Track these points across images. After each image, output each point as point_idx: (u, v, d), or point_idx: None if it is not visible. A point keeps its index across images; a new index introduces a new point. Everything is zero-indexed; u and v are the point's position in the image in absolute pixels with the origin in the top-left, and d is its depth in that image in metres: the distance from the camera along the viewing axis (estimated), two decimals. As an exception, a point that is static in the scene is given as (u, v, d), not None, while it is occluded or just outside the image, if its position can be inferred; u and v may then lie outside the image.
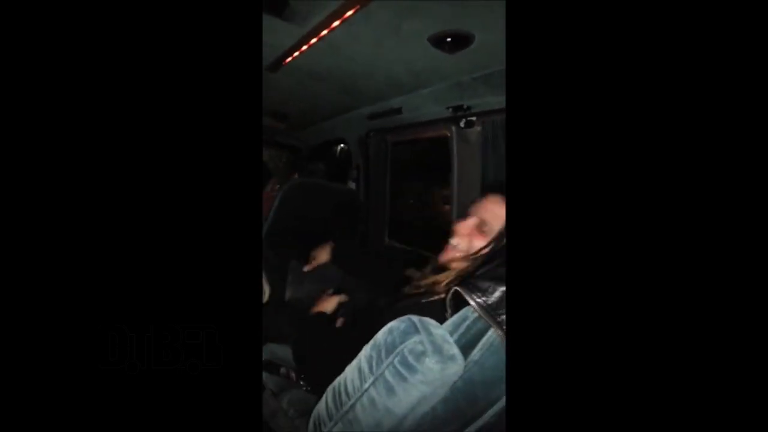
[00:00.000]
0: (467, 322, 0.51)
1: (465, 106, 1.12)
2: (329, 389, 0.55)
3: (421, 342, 0.48)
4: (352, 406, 0.51)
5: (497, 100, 1.03)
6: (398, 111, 1.29)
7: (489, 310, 0.48)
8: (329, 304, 0.86)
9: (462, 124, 1.19)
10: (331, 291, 0.92)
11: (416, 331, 0.49)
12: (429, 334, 0.48)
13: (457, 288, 0.52)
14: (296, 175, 1.89)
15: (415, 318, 0.51)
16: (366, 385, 0.50)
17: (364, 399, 0.50)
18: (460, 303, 0.52)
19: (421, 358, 0.47)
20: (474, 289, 0.50)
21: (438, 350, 0.47)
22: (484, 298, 0.49)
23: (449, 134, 1.28)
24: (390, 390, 0.48)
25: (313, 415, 0.55)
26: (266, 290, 1.01)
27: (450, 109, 1.15)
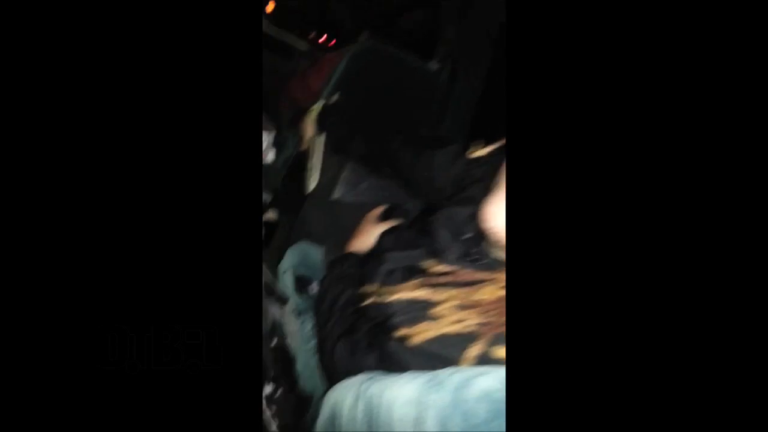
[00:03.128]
0: None
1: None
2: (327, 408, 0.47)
3: None
4: None
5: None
6: None
7: None
8: (367, 237, 0.68)
9: None
10: (383, 209, 0.74)
11: None
12: None
13: None
14: (365, 36, 1.28)
15: None
16: None
17: None
18: None
19: None
20: None
21: None
22: None
23: None
24: None
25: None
26: (315, 176, 0.87)
27: None
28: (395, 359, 0.51)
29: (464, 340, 0.48)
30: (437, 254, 0.58)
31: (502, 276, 0.51)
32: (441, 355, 0.48)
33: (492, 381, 0.37)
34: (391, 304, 0.54)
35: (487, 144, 0.67)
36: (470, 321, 0.49)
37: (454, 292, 0.52)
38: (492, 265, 0.54)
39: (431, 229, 0.61)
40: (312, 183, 0.90)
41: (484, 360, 0.46)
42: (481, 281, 0.52)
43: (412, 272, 0.57)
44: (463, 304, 0.51)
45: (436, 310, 0.51)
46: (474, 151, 0.66)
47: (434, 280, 0.54)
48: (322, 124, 0.90)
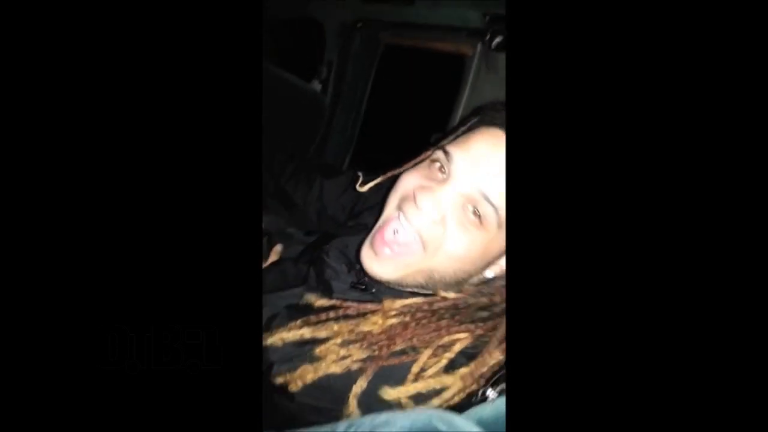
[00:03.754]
0: None
1: (511, 19, 0.74)
2: None
3: None
4: None
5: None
6: (409, 0, 0.90)
7: None
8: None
9: (493, 45, 0.80)
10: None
11: None
12: None
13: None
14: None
15: (441, 424, 0.33)
16: None
17: None
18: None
19: None
20: None
21: None
22: None
23: (470, 54, 0.88)
24: None
25: None
26: None
27: (487, 18, 0.79)
28: (283, 413, 0.47)
29: (348, 379, 0.45)
30: (325, 287, 0.55)
31: (389, 304, 0.50)
32: (326, 399, 0.45)
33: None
34: (269, 349, 0.50)
35: (368, 174, 0.67)
36: (355, 356, 0.47)
37: (336, 327, 0.50)
38: (378, 295, 0.54)
39: (323, 260, 0.59)
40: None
41: (368, 399, 0.44)
42: (367, 313, 0.51)
43: (295, 311, 0.53)
44: (348, 339, 0.49)
45: (321, 349, 0.48)
46: (363, 184, 0.65)
47: (318, 316, 0.51)
48: None
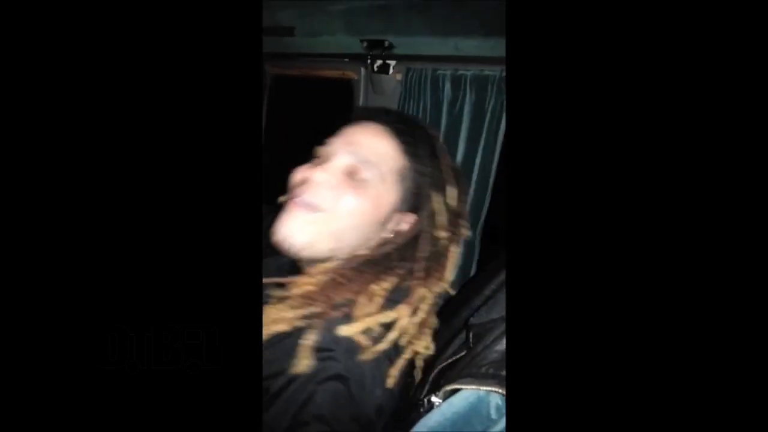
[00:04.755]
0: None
1: (387, 43, 0.80)
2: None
3: None
4: None
5: (430, 42, 0.72)
6: (289, 32, 0.91)
7: None
8: None
9: (376, 67, 0.85)
10: None
11: None
12: None
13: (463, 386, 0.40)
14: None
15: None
16: None
17: None
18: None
19: None
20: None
21: None
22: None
23: (356, 77, 0.94)
24: None
25: None
26: None
27: (365, 44, 0.83)
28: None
29: (298, 335, 0.48)
30: None
31: (313, 269, 0.54)
32: (280, 357, 0.47)
33: None
34: None
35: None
36: (296, 314, 0.50)
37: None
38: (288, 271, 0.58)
39: None
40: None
41: (323, 345, 0.47)
42: (294, 282, 0.54)
43: None
44: (283, 301, 0.51)
45: None
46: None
47: None
48: None
